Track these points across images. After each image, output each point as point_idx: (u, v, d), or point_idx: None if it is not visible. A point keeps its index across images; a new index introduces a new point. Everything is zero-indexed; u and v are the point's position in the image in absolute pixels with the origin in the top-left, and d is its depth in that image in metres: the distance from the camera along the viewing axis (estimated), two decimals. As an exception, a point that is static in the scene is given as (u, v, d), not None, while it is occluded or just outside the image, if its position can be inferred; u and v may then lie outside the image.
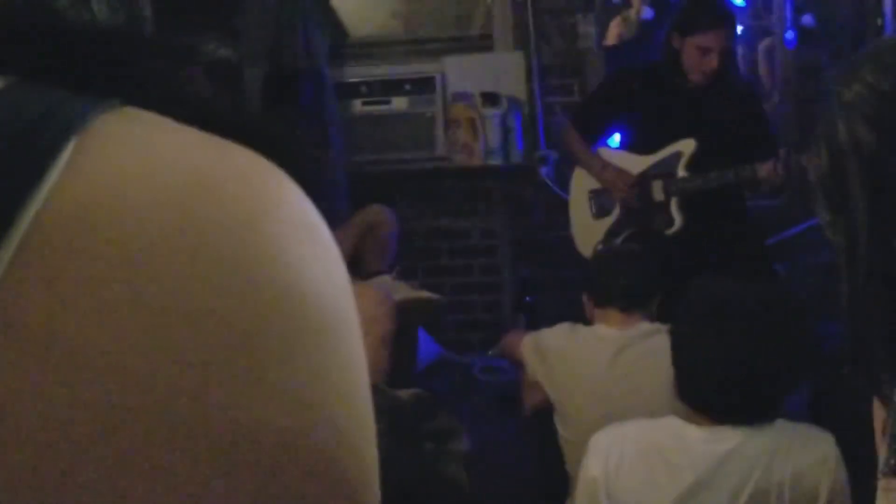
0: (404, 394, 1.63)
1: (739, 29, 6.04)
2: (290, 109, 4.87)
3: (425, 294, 4.20)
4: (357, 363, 0.45)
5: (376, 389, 1.46)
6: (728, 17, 4.26)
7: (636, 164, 4.24)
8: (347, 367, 0.44)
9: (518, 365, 3.47)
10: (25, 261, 0.39)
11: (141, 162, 0.42)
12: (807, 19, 5.74)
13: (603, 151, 4.35)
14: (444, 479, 1.78)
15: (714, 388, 2.33)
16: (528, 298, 5.02)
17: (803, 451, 2.28)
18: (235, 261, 0.41)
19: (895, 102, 1.21)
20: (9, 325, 0.38)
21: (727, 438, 2.30)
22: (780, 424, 2.33)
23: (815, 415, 2.67)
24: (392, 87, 5.27)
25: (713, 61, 4.03)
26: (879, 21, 4.91)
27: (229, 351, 0.40)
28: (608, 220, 4.31)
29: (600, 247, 4.12)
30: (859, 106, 1.20)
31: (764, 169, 3.94)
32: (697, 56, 4.03)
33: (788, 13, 5.71)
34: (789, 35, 5.66)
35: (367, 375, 0.46)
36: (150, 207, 0.41)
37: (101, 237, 0.39)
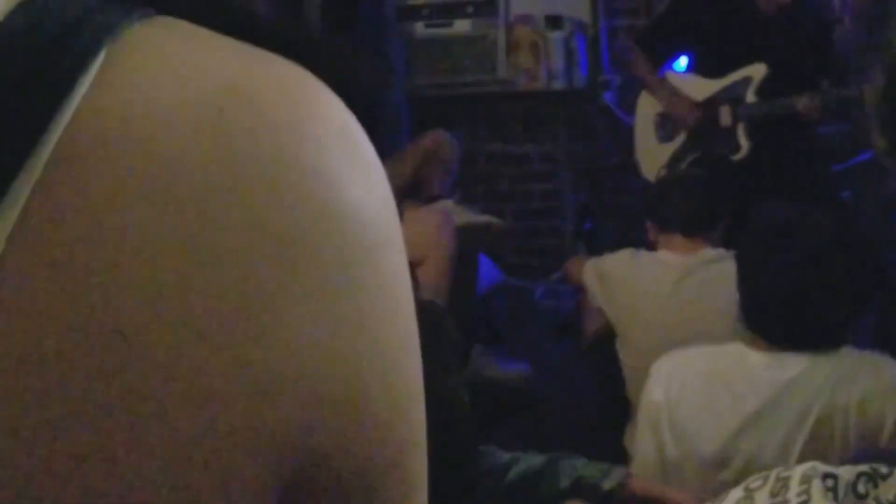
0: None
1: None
2: (350, 32, 4.85)
3: (487, 218, 4.18)
4: (399, 280, 0.44)
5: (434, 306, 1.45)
6: None
7: (704, 87, 4.17)
8: (389, 285, 0.43)
9: (580, 290, 3.46)
10: (57, 172, 0.38)
11: (174, 71, 0.40)
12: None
13: (670, 75, 4.28)
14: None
15: (778, 314, 2.31)
16: (588, 224, 5.00)
17: (869, 377, 2.25)
18: (273, 173, 0.40)
19: None
20: (40, 240, 0.37)
21: (791, 365, 2.28)
22: (846, 352, 2.31)
23: (880, 343, 2.64)
24: (454, 9, 5.21)
25: None
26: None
27: (266, 269, 0.39)
28: (673, 145, 4.26)
29: (664, 171, 4.07)
30: None
31: (801, 102, 3.86)
32: None
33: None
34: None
35: (410, 292, 0.45)
36: (184, 118, 0.39)
37: (133, 149, 0.38)
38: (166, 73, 0.40)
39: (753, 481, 1.72)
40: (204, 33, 0.42)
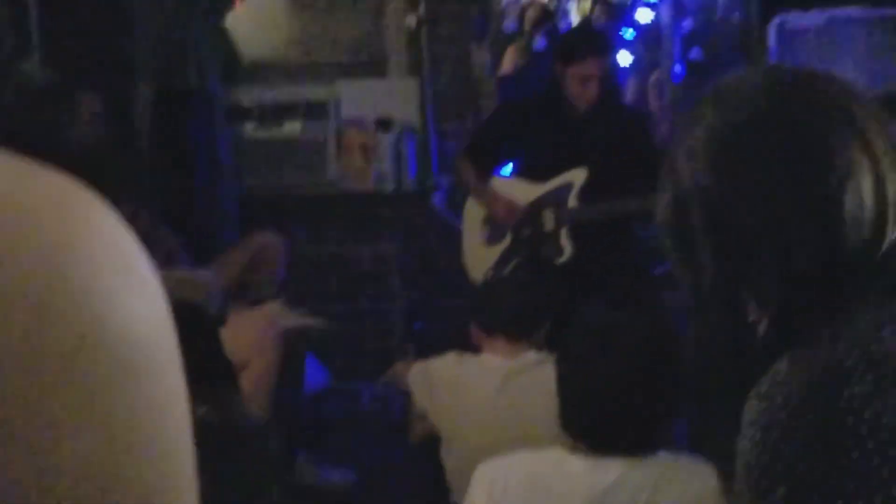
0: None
1: (629, 60, 6.10)
2: (180, 131, 4.80)
3: (314, 321, 4.15)
4: (172, 402, 0.43)
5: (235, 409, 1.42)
6: (603, 44, 4.38)
7: (529, 192, 4.26)
8: (159, 406, 0.42)
9: (406, 394, 3.45)
10: None
11: None
12: (695, 53, 5.88)
13: (497, 180, 4.36)
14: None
15: (594, 418, 2.33)
16: (417, 326, 5.00)
17: (685, 482, 2.29)
18: (40, 294, 0.39)
19: (735, 145, 1.20)
20: None
21: (609, 469, 2.30)
22: (663, 456, 2.34)
23: (695, 446, 2.69)
24: (285, 111, 5.23)
25: (593, 89, 4.10)
26: (764, 54, 5.03)
27: (28, 391, 0.38)
28: (499, 248, 4.32)
29: (490, 274, 4.12)
30: (700, 149, 1.19)
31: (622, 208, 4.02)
32: (578, 84, 4.11)
33: (677, 47, 5.84)
34: (677, 68, 5.79)
35: (185, 412, 0.44)
36: None
37: None
38: None
39: None
40: None
